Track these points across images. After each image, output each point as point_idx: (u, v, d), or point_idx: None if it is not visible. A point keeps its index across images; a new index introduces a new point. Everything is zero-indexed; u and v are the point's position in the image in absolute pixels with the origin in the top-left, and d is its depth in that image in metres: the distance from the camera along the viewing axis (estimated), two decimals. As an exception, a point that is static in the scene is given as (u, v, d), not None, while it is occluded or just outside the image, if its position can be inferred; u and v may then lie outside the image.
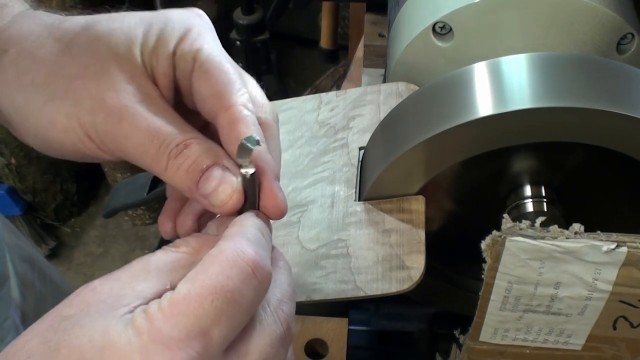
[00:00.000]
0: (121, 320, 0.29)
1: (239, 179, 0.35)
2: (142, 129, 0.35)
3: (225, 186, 0.35)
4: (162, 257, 0.33)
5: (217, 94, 0.37)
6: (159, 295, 0.30)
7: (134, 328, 0.29)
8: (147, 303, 0.30)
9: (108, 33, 0.37)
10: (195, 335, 0.29)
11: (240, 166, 0.36)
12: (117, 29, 0.37)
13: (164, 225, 0.42)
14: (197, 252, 0.34)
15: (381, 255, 0.48)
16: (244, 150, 0.35)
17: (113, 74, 0.36)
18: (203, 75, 0.37)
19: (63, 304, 0.31)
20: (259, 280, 0.31)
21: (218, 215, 0.38)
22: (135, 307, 0.30)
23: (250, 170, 0.35)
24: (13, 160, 1.67)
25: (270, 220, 0.37)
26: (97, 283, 0.31)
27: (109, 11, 0.40)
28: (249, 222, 0.35)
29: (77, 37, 0.37)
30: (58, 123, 0.36)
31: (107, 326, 0.29)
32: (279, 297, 0.34)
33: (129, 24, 0.38)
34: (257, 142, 0.35)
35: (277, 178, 0.38)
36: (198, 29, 0.38)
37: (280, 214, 0.37)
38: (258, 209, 0.37)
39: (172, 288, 0.31)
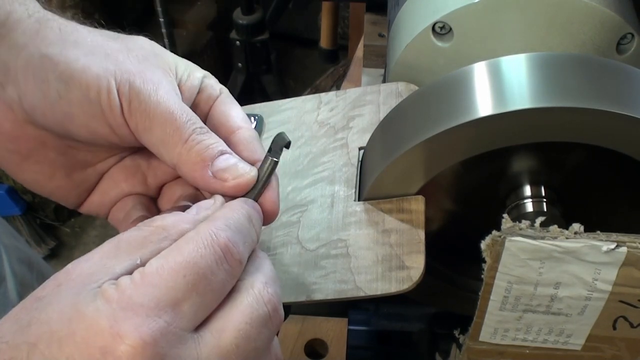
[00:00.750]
0: (90, 292, 0.30)
1: (253, 169, 0.39)
2: (175, 102, 0.38)
3: (240, 166, 0.38)
4: (134, 234, 0.33)
5: (238, 118, 0.42)
6: (129, 271, 0.31)
7: (103, 297, 0.29)
8: (116, 278, 0.31)
9: (150, 43, 0.42)
10: (165, 305, 0.29)
11: (267, 153, 0.40)
12: (156, 44, 0.42)
13: None
14: (172, 226, 0.34)
15: (381, 255, 0.48)
16: (280, 140, 0.40)
17: (152, 63, 0.40)
18: (227, 103, 0.43)
19: (38, 288, 0.31)
20: (230, 265, 0.32)
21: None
22: (104, 283, 0.30)
23: (275, 159, 0.39)
24: (13, 160, 1.67)
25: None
26: (70, 265, 0.32)
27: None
28: (238, 207, 0.36)
29: (121, 34, 0.41)
30: (92, 69, 0.37)
31: (76, 299, 0.29)
32: (264, 280, 0.34)
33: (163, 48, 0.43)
34: (289, 144, 0.40)
35: (278, 185, 0.41)
36: (214, 78, 0.44)
37: (274, 214, 0.39)
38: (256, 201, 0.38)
39: (143, 264, 0.31)
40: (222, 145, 0.39)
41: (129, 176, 0.42)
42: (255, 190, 0.38)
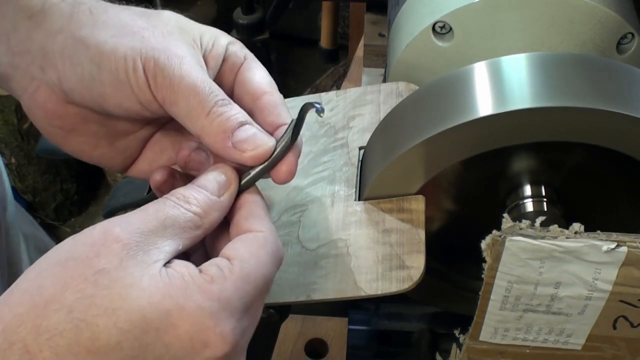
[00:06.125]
0: (172, 278, 0.33)
1: (271, 140, 0.41)
2: (198, 75, 0.40)
3: (259, 136, 0.40)
4: (176, 214, 0.36)
5: (263, 83, 0.44)
6: (174, 253, 0.35)
7: (203, 293, 0.33)
8: (169, 260, 0.34)
9: (175, 17, 0.44)
10: (248, 308, 0.35)
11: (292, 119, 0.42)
12: (181, 17, 0.44)
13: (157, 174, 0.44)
14: (206, 214, 0.38)
15: (381, 255, 0.48)
16: (306, 107, 0.41)
17: (177, 37, 0.42)
18: (251, 69, 0.45)
19: (87, 252, 0.32)
20: (278, 270, 0.39)
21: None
22: (164, 264, 0.34)
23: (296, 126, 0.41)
24: (13, 160, 1.67)
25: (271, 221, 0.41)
26: (118, 232, 0.33)
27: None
28: (263, 203, 0.41)
29: (147, 10, 0.43)
30: (120, 50, 0.40)
31: (165, 289, 0.32)
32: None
33: (188, 19, 0.44)
34: (323, 110, 0.41)
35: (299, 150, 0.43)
36: (240, 43, 0.46)
37: (287, 180, 0.42)
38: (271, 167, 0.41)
39: (184, 248, 0.36)
40: (243, 116, 0.40)
41: (175, 143, 0.44)
42: (274, 159, 0.41)
